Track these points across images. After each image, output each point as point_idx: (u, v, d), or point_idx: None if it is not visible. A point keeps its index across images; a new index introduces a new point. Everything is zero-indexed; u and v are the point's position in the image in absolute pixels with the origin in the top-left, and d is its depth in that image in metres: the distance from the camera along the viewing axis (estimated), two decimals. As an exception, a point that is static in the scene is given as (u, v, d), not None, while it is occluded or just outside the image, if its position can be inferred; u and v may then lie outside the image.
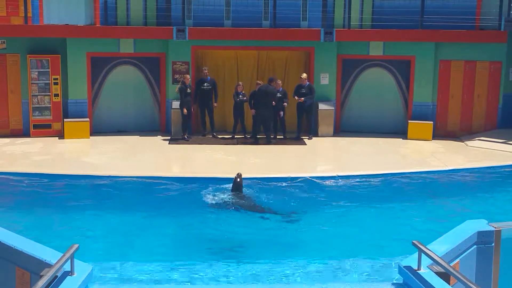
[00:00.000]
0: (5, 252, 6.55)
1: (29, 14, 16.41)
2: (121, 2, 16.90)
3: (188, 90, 16.25)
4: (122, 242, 10.49)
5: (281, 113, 16.32)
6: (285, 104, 16.38)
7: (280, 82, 16.60)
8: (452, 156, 15.33)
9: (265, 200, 12.23)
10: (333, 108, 17.19)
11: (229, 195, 12.30)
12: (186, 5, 16.99)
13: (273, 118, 16.28)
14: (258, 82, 16.38)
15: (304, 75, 16.68)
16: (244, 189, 12.42)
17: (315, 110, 17.01)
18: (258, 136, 16.40)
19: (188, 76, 16.44)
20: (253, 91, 16.40)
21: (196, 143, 16.21)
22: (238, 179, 12.38)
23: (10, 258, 6.51)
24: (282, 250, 10.23)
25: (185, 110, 16.13)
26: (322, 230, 11.11)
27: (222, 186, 12.79)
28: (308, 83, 16.70)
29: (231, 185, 12.44)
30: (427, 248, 6.17)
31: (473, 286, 5.44)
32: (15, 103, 16.63)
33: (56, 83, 16.47)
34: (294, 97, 16.61)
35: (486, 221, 7.20)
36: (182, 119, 16.37)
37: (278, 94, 16.38)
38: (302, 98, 16.48)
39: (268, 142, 16.17)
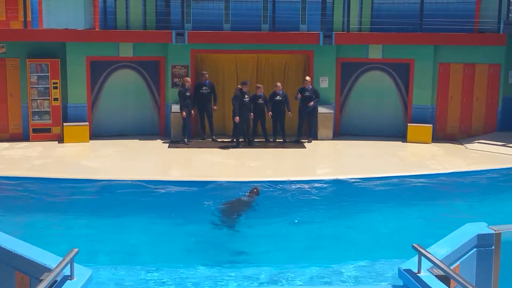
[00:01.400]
0: (4, 256, 6.54)
1: (29, 19, 16.41)
2: (121, 6, 16.92)
3: (188, 93, 16.26)
4: (121, 247, 10.49)
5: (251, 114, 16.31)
6: (290, 113, 16.43)
7: (279, 84, 16.60)
8: (451, 159, 15.33)
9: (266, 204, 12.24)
10: (332, 111, 17.19)
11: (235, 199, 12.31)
12: (185, 9, 17.00)
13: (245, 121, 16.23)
14: (258, 85, 16.46)
15: (308, 78, 16.67)
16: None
17: (316, 113, 16.99)
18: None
19: (188, 79, 16.44)
20: (254, 94, 16.48)
21: (196, 146, 16.21)
22: (255, 190, 12.40)
23: (10, 262, 6.51)
24: (280, 254, 10.22)
25: (183, 113, 16.13)
26: (320, 233, 11.11)
27: (222, 189, 12.79)
28: (311, 86, 16.68)
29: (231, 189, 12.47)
30: (427, 251, 6.17)
31: (473, 289, 5.43)
32: (15, 107, 16.62)
33: (55, 87, 16.47)
34: (296, 96, 16.52)
35: (486, 224, 7.20)
36: (182, 123, 16.37)
37: (278, 97, 16.41)
38: (312, 102, 16.48)
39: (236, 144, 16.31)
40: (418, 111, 17.22)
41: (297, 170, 14.31)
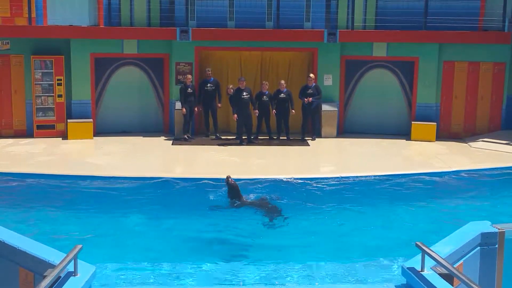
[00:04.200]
0: (8, 253, 6.56)
1: (33, 15, 16.44)
2: (125, 3, 16.93)
3: (189, 90, 16.27)
4: (125, 243, 10.50)
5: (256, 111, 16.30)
6: (293, 111, 16.42)
7: (283, 82, 16.59)
8: (455, 158, 15.31)
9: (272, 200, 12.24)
10: (336, 109, 17.18)
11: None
12: (189, 6, 17.00)
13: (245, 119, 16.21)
14: (264, 82, 16.44)
15: (312, 75, 16.66)
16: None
17: (319, 111, 16.99)
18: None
19: (189, 76, 16.45)
20: (259, 91, 16.49)
21: (200, 143, 16.22)
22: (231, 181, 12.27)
23: (14, 259, 6.53)
24: (283, 252, 10.22)
25: (183, 110, 16.13)
26: (324, 232, 11.10)
27: (225, 186, 12.79)
28: (314, 83, 16.68)
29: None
30: (430, 250, 6.17)
31: (477, 287, 5.43)
32: (19, 104, 16.66)
33: (59, 84, 16.50)
34: (300, 97, 16.56)
35: (490, 223, 7.19)
36: (183, 119, 16.37)
37: (282, 95, 16.41)
38: (310, 98, 16.49)
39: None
40: (422, 109, 17.20)
41: (300, 168, 14.30)
